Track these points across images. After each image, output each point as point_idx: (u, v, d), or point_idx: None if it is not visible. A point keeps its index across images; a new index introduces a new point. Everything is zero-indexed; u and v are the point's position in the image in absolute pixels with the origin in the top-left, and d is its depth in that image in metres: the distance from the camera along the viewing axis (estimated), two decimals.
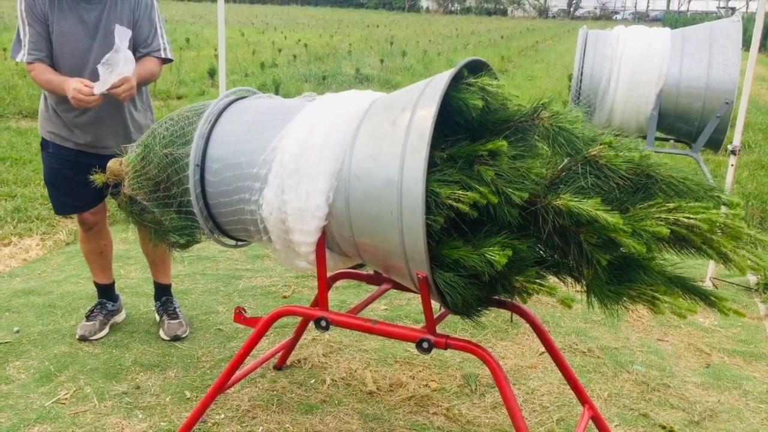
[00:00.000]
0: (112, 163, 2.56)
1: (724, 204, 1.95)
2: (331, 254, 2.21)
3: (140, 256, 3.85)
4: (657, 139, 4.38)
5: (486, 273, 1.87)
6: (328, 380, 2.97)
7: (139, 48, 2.97)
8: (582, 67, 4.27)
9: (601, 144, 1.96)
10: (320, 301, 2.28)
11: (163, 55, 3.02)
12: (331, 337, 3.35)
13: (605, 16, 73.10)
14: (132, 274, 4.08)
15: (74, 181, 3.03)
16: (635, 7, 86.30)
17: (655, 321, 3.66)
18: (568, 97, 4.87)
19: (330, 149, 2.05)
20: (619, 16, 73.15)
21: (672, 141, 4.53)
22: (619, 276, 1.94)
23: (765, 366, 3.26)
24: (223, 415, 2.71)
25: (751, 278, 4.26)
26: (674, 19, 45.73)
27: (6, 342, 3.20)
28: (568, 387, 2.64)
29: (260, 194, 2.17)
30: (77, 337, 3.23)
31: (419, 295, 2.05)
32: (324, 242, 2.14)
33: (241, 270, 4.21)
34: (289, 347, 3.03)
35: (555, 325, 3.56)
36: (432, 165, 1.93)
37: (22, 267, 4.18)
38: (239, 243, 2.55)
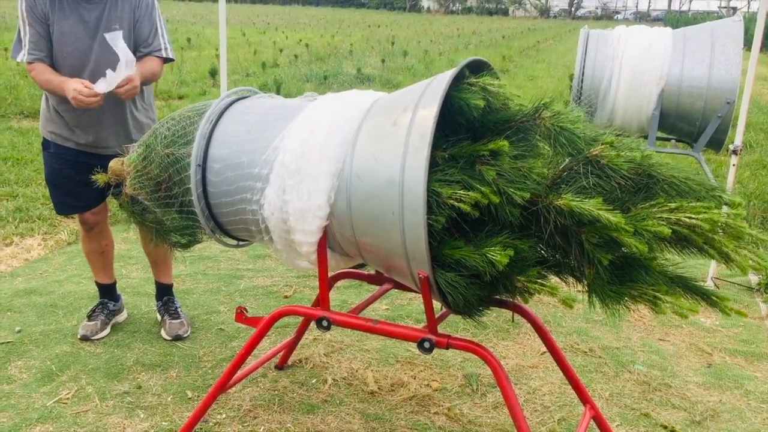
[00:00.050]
0: (113, 163, 2.56)
1: (726, 204, 1.95)
2: (332, 254, 2.21)
3: (142, 256, 3.85)
4: (658, 138, 4.38)
5: (487, 273, 1.87)
6: (329, 380, 2.97)
7: (140, 48, 2.97)
8: (583, 67, 4.27)
9: (602, 144, 1.96)
10: (321, 301, 2.28)
11: (164, 55, 3.02)
12: (333, 336, 3.35)
13: (606, 16, 73.06)
14: (133, 274, 4.09)
15: (75, 181, 3.04)
16: (636, 6, 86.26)
17: (656, 321, 3.66)
18: (570, 97, 4.87)
19: (331, 149, 2.05)
20: (620, 16, 73.11)
21: (673, 141, 4.53)
22: (621, 276, 1.94)
23: (766, 366, 3.25)
24: (224, 415, 2.71)
25: (753, 278, 4.26)
26: (675, 19, 45.68)
27: (8, 342, 3.20)
28: (570, 387, 2.64)
29: (262, 194, 2.17)
30: (79, 336, 3.23)
31: (420, 295, 2.05)
32: (325, 242, 2.14)
33: (243, 270, 4.21)
34: (291, 347, 3.03)
35: (556, 325, 3.56)
36: (433, 165, 1.93)
37: (23, 267, 4.19)
38: (241, 243, 2.56)
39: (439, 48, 23.11)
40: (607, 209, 1.82)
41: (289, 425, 2.65)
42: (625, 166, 1.93)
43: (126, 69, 2.73)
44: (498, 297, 2.22)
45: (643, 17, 67.49)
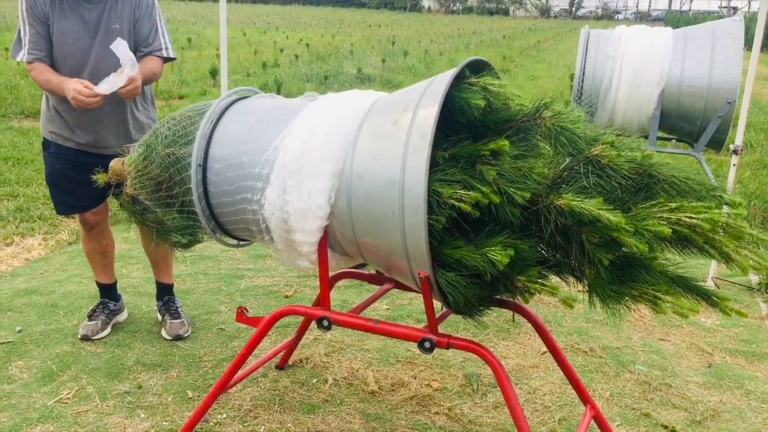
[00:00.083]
0: (114, 163, 2.56)
1: (726, 204, 1.95)
2: (332, 254, 2.21)
3: (142, 256, 3.85)
4: (659, 138, 4.38)
5: (488, 273, 1.87)
6: (330, 380, 2.97)
7: (140, 47, 2.97)
8: (584, 67, 4.27)
9: (603, 144, 1.96)
10: (322, 301, 2.28)
11: (164, 54, 3.02)
12: (333, 336, 3.35)
13: (607, 16, 73.06)
14: (134, 274, 4.09)
15: (76, 180, 3.04)
16: (637, 6, 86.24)
17: (657, 321, 3.66)
18: (570, 97, 4.87)
19: (332, 149, 2.05)
20: (620, 16, 73.11)
21: (674, 141, 4.53)
22: (621, 276, 1.94)
23: (767, 366, 3.25)
24: (225, 415, 2.71)
25: (753, 278, 4.25)
26: (676, 19, 45.69)
27: (8, 341, 3.21)
28: (570, 387, 2.65)
29: (262, 194, 2.17)
30: (79, 336, 3.23)
31: (421, 295, 2.05)
32: (326, 242, 2.14)
33: (243, 269, 4.21)
34: (291, 347, 3.03)
35: (557, 325, 3.56)
36: (434, 165, 1.93)
37: (24, 267, 4.19)
38: (241, 243, 2.56)
39: (440, 48, 23.11)
40: (608, 209, 1.82)
41: (289, 425, 2.65)
42: (625, 166, 1.93)
43: (129, 71, 2.73)
44: (498, 297, 2.22)
45: (643, 17, 67.49)
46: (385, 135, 1.96)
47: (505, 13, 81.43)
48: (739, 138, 3.98)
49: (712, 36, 4.05)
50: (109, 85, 2.72)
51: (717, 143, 4.10)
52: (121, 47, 2.72)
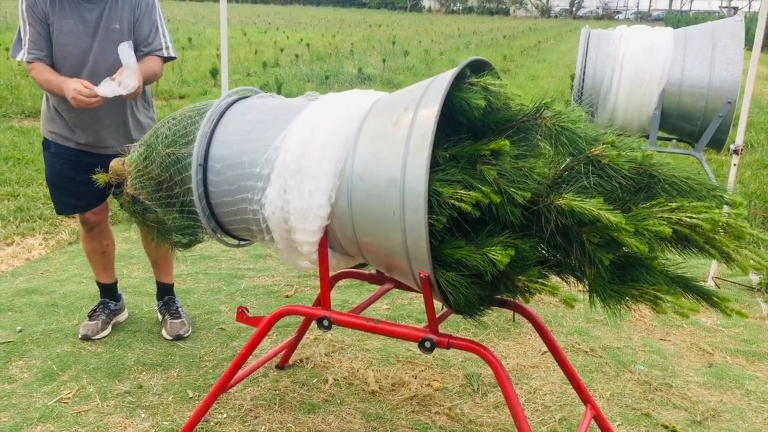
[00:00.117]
0: (114, 163, 2.56)
1: (727, 203, 1.95)
2: (333, 254, 2.21)
3: (143, 256, 3.85)
4: (659, 138, 4.37)
5: (488, 272, 1.87)
6: (330, 380, 2.97)
7: (140, 47, 2.96)
8: (584, 67, 4.27)
9: (603, 143, 1.96)
10: (322, 301, 2.28)
11: (165, 54, 3.02)
12: (334, 336, 3.35)
13: (607, 16, 73.05)
14: (134, 274, 4.09)
15: (76, 180, 3.04)
16: (637, 6, 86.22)
17: (657, 321, 3.66)
18: (571, 97, 4.87)
19: (332, 149, 2.05)
20: (621, 16, 73.11)
21: (674, 140, 4.53)
22: (622, 275, 1.94)
23: (767, 366, 3.25)
24: (225, 415, 2.71)
25: (754, 278, 4.25)
26: (676, 19, 45.67)
27: (9, 341, 3.21)
28: (571, 386, 2.64)
29: (263, 194, 2.17)
30: (80, 336, 3.23)
31: (421, 295, 2.05)
32: (326, 242, 2.14)
33: (244, 269, 4.21)
34: (292, 347, 3.03)
35: (557, 325, 3.56)
36: (434, 164, 1.93)
37: (24, 266, 4.19)
38: (241, 242, 2.56)
39: (440, 48, 23.11)
40: (608, 209, 1.82)
41: (290, 425, 2.65)
42: (626, 166, 1.93)
43: (128, 80, 2.73)
44: (499, 297, 2.22)
45: (644, 17, 67.47)
46: (385, 135, 1.96)
47: (506, 13, 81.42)
48: (739, 138, 3.98)
49: (712, 36, 4.05)
50: (110, 89, 2.72)
51: (717, 143, 4.10)
52: (126, 53, 2.73)
